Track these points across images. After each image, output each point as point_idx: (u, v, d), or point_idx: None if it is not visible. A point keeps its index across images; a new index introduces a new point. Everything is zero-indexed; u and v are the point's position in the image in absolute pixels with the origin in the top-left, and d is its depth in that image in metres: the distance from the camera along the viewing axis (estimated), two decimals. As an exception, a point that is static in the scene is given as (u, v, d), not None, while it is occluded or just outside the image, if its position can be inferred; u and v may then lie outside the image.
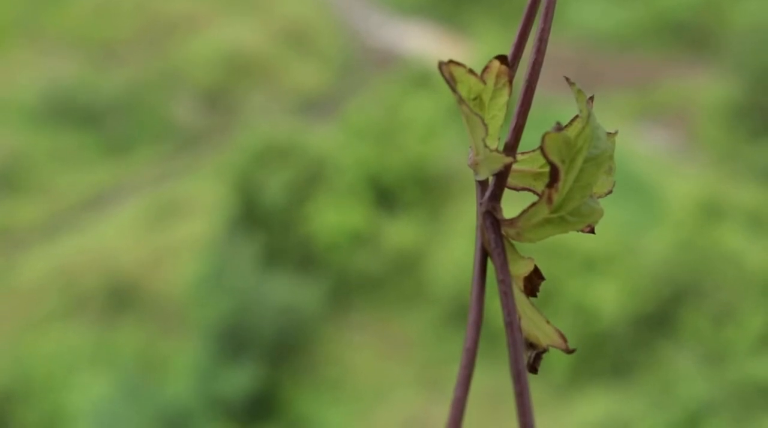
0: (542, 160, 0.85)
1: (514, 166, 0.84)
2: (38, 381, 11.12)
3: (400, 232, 12.15)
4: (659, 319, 11.15)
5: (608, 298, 11.03)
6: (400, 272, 11.98)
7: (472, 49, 14.94)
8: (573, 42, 15.04)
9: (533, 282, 0.84)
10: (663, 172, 13.06)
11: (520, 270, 0.83)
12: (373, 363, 11.35)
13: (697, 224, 11.70)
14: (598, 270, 11.25)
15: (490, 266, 0.81)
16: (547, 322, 0.84)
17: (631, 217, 11.92)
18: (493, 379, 8.97)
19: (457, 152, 12.79)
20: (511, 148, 0.82)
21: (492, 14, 15.79)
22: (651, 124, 14.24)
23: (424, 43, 15.69)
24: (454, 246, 11.75)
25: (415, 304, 11.79)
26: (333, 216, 12.14)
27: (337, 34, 16.22)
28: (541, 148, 0.78)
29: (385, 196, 12.65)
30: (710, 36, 15.48)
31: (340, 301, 11.87)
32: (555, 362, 10.44)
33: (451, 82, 0.81)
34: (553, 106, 10.90)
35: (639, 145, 13.36)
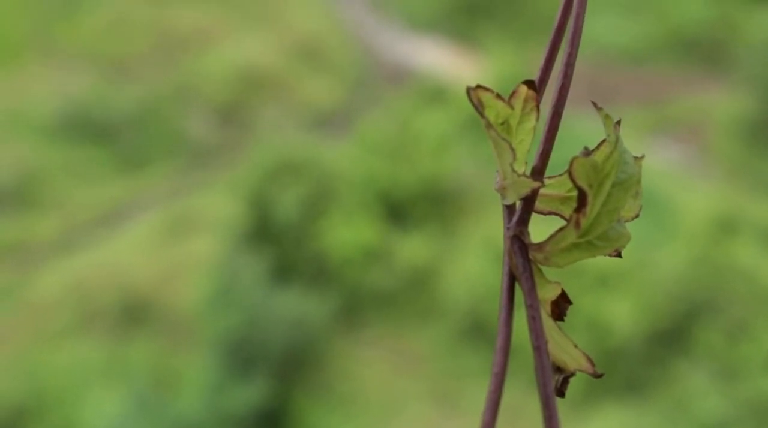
0: (570, 185, 0.85)
1: (542, 191, 0.84)
2: (51, 396, 11.13)
3: (412, 248, 12.14)
4: (673, 335, 11.11)
5: (622, 314, 11.00)
6: (413, 287, 11.97)
7: (486, 65, 14.95)
8: (586, 57, 15.02)
9: (560, 306, 0.84)
10: (677, 187, 13.03)
11: (547, 294, 0.83)
12: (385, 379, 11.33)
13: (711, 239, 11.67)
14: (612, 287, 11.22)
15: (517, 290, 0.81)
16: (575, 346, 0.84)
17: (645, 233, 11.89)
18: (510, 394, 8.93)
19: (470, 168, 12.79)
20: (538, 173, 0.82)
21: (506, 30, 15.80)
22: (664, 139, 14.22)
23: (438, 59, 15.70)
24: (467, 262, 11.73)
25: (428, 320, 11.77)
26: (345, 232, 12.14)
27: (350, 49, 16.25)
28: (569, 173, 0.79)
29: (397, 211, 12.64)
30: (724, 51, 15.47)
31: (353, 317, 11.86)
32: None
33: (479, 107, 0.81)
34: (568, 122, 10.90)
35: (653, 161, 13.34)
